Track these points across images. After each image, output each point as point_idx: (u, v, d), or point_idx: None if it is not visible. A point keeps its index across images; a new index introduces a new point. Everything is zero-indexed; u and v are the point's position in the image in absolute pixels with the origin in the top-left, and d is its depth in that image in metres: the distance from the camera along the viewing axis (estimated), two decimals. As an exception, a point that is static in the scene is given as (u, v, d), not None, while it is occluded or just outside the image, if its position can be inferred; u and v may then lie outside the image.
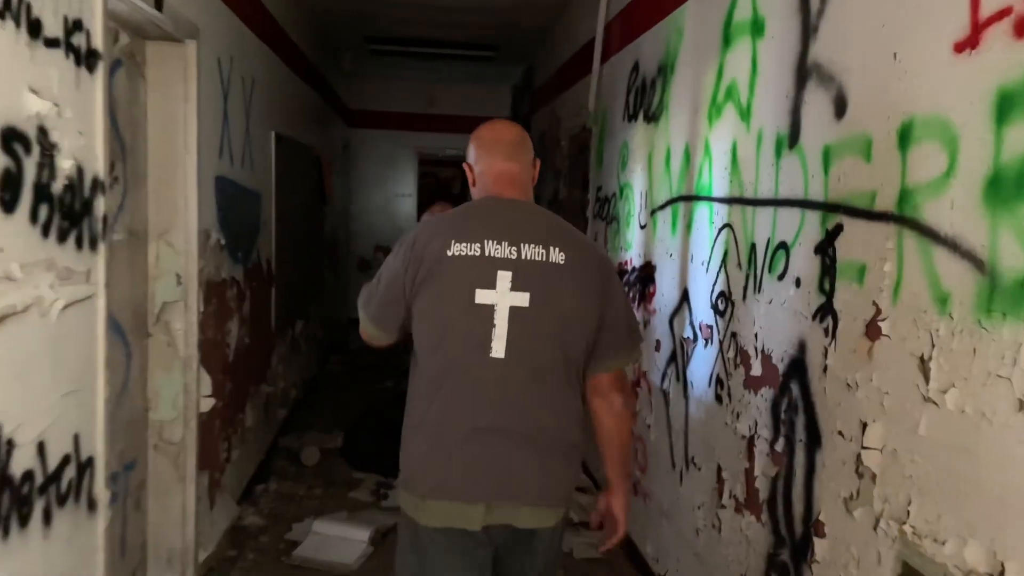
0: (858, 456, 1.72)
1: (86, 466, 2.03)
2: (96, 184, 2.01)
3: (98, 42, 2.00)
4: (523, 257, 1.69)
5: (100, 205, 2.04)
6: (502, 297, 1.67)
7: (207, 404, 3.06)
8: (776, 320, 2.13)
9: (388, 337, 1.83)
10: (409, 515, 1.75)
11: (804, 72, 2.02)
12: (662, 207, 3.15)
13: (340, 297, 8.29)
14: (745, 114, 2.37)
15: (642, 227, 3.43)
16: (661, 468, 3.07)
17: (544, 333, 1.69)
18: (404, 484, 1.76)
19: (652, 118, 3.32)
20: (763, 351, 2.20)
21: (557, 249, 1.71)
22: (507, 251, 1.69)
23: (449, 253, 1.68)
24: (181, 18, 2.72)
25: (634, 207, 3.55)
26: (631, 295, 3.58)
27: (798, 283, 2.01)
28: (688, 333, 2.80)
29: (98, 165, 2.02)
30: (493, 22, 6.01)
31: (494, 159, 1.83)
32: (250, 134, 3.81)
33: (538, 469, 1.71)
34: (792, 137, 2.07)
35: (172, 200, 2.88)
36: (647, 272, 3.32)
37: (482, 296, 1.67)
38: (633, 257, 3.55)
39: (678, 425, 2.89)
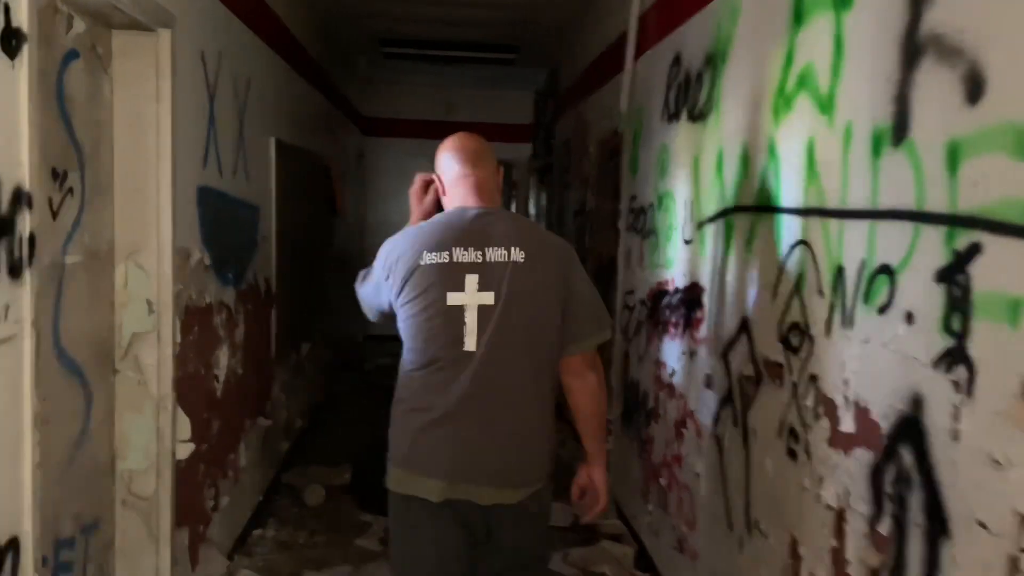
0: (1014, 560, 1.26)
1: (6, 550, 1.62)
2: (18, 197, 1.61)
3: (21, 20, 1.61)
4: (488, 260, 1.89)
5: (24, 223, 1.64)
6: (471, 298, 1.88)
7: (185, 450, 2.65)
8: (877, 364, 1.67)
9: (384, 319, 2.10)
10: (391, 487, 1.98)
11: (915, 47, 1.57)
12: (712, 219, 2.70)
13: (353, 314, 7.89)
14: (826, 105, 1.92)
15: (687, 242, 2.98)
16: (715, 527, 2.60)
17: (511, 326, 1.88)
18: (389, 459, 2.01)
19: (698, 116, 2.88)
20: (857, 402, 1.74)
21: (517, 248, 1.90)
22: (473, 256, 1.89)
23: (422, 263, 1.90)
24: (151, 2, 2.32)
25: (676, 219, 3.10)
26: (672, 320, 3.12)
27: (910, 319, 1.56)
28: (749, 370, 2.34)
29: (21, 173, 1.62)
30: (512, 18, 5.60)
31: (461, 166, 2.03)
32: (245, 140, 3.42)
33: (502, 451, 1.89)
34: (898, 131, 1.62)
35: (142, 215, 2.48)
36: (693, 295, 2.87)
37: (453, 299, 1.88)
38: (676, 277, 3.10)
39: (736, 478, 2.43)
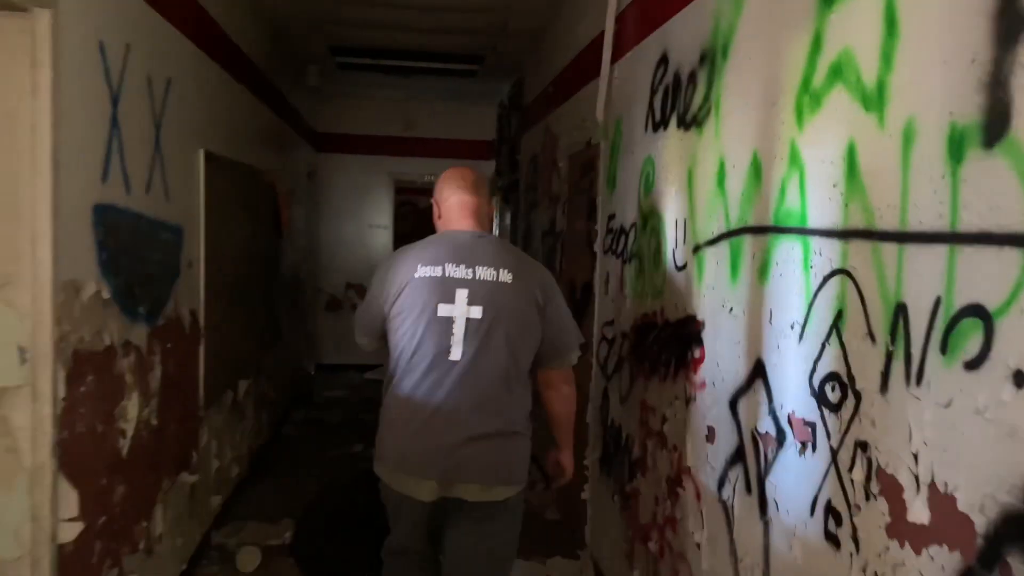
0: None
1: None
2: None
3: None
4: (477, 277, 2.08)
5: None
6: (460, 310, 2.05)
7: (71, 531, 2.14)
8: (966, 438, 1.26)
9: (372, 344, 2.30)
10: (383, 479, 2.17)
11: (1017, 17, 1.18)
12: (713, 242, 2.29)
13: (304, 343, 7.35)
14: (873, 100, 1.52)
15: (679, 268, 2.56)
16: (722, 612, 2.17)
17: (495, 339, 2.07)
18: (377, 458, 2.20)
19: (692, 123, 2.48)
20: (934, 485, 1.33)
21: (505, 270, 2.10)
22: (464, 272, 2.08)
23: (416, 275, 2.09)
24: (19, -27, 1.85)
25: (666, 241, 2.69)
26: (662, 358, 2.70)
27: (1019, 380, 1.15)
28: (767, 427, 1.92)
29: None
30: (477, 25, 5.19)
31: (459, 192, 2.25)
32: (163, 151, 2.92)
33: (481, 454, 2.06)
34: (990, 128, 1.22)
35: (13, 239, 1.98)
36: (689, 330, 2.45)
37: (443, 310, 2.06)
38: (666, 308, 2.68)
39: (751, 559, 2.00)
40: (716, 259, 2.26)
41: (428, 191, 9.66)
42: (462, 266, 2.08)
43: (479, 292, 2.06)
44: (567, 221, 4.37)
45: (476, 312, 2.05)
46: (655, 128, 2.85)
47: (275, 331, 5.52)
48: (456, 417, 2.05)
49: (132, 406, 2.63)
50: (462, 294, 2.05)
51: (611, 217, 3.42)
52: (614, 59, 3.42)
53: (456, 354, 2.05)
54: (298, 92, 6.65)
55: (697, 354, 2.39)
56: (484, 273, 2.08)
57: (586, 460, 3.67)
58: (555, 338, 2.19)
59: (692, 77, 2.50)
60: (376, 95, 7.94)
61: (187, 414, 3.31)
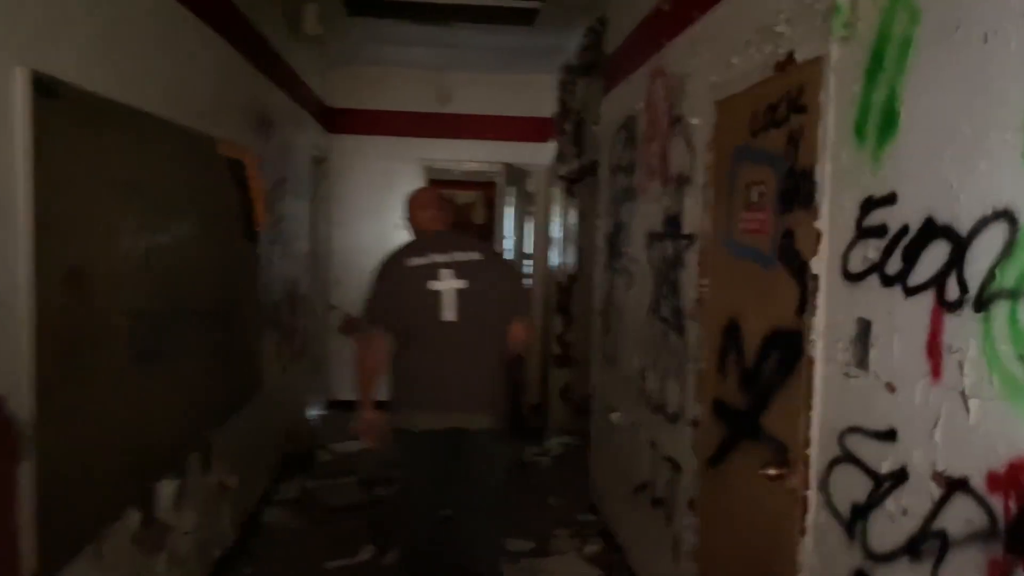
0: None
1: None
2: None
3: None
4: (457, 259, 2.86)
5: None
6: (447, 283, 2.82)
7: None
8: None
9: (384, 332, 2.91)
10: (401, 425, 2.87)
11: None
12: None
13: (307, 380, 5.61)
14: None
15: None
16: None
17: (479, 303, 2.83)
18: (396, 407, 2.89)
19: None
20: None
21: (476, 253, 2.94)
22: (445, 257, 2.86)
23: (409, 265, 2.87)
24: None
25: None
26: None
27: None
28: None
29: None
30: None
31: (425, 208, 3.05)
32: None
33: (475, 391, 2.85)
34: None
35: None
36: None
37: (432, 285, 2.82)
38: None
39: None
40: None
41: (467, 183, 7.73)
42: (443, 254, 2.87)
43: (461, 269, 2.85)
44: (712, 215, 2.55)
45: (462, 284, 2.83)
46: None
47: (250, 380, 3.79)
48: (451, 363, 2.84)
49: None
50: (447, 272, 2.83)
51: (869, 204, 1.59)
52: None
53: (450, 316, 2.81)
54: (299, 52, 4.94)
55: None
56: (461, 256, 2.88)
57: None
58: (515, 301, 3.00)
59: None
60: (402, 58, 6.19)
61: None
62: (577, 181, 5.73)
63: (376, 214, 6.53)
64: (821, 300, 1.78)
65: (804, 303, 1.85)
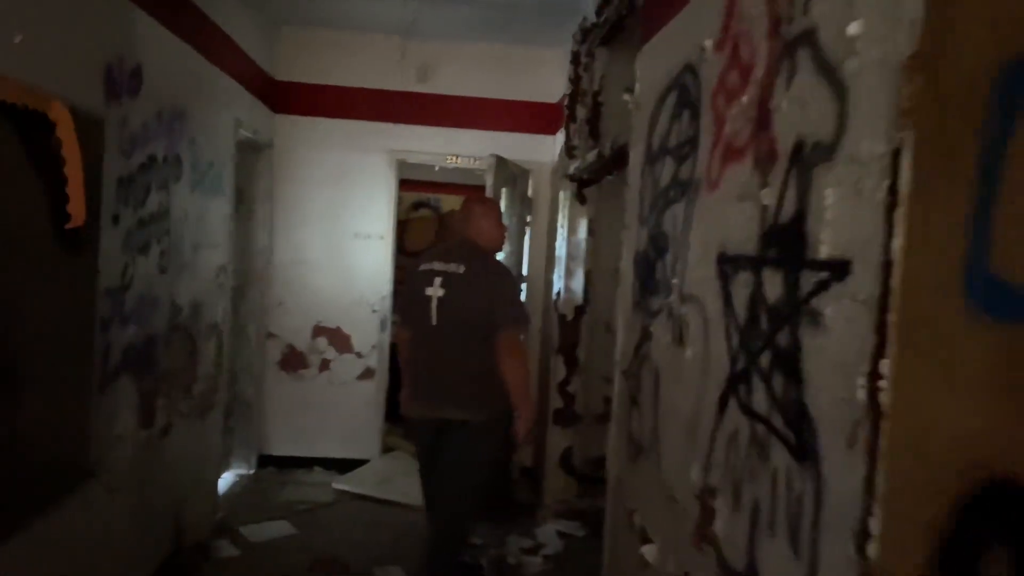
0: None
1: None
2: None
3: None
4: (447, 270, 3.06)
5: None
6: (435, 291, 3.04)
7: None
8: None
9: (408, 330, 3.24)
10: (405, 412, 3.25)
11: None
12: None
13: (204, 445, 4.15)
14: None
15: None
16: None
17: (454, 310, 3.02)
18: (405, 396, 3.24)
19: None
20: None
21: (462, 265, 3.06)
22: (440, 267, 3.08)
23: (419, 269, 3.15)
24: None
25: None
26: None
27: None
28: None
29: None
30: None
31: (459, 218, 3.35)
32: None
33: (454, 388, 3.03)
34: None
35: None
36: None
37: (427, 290, 3.06)
38: None
39: None
40: None
41: (450, 185, 5.78)
42: (440, 263, 3.09)
43: (447, 279, 3.05)
44: (919, 219, 1.13)
45: (443, 293, 3.03)
46: None
47: (62, 465, 2.37)
48: (437, 363, 3.08)
49: None
50: (437, 280, 3.05)
51: None
52: None
53: (435, 320, 3.04)
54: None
55: None
56: (451, 267, 3.06)
57: None
58: (497, 313, 2.99)
59: None
60: (367, 19, 4.81)
61: None
62: (592, 182, 4.34)
63: (331, 219, 5.13)
64: None
65: None
